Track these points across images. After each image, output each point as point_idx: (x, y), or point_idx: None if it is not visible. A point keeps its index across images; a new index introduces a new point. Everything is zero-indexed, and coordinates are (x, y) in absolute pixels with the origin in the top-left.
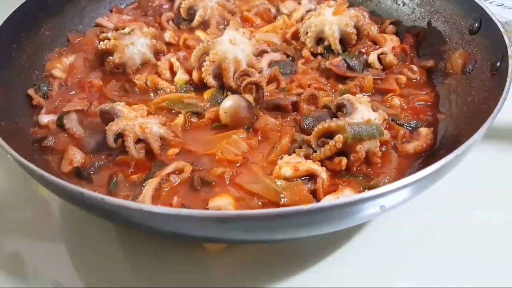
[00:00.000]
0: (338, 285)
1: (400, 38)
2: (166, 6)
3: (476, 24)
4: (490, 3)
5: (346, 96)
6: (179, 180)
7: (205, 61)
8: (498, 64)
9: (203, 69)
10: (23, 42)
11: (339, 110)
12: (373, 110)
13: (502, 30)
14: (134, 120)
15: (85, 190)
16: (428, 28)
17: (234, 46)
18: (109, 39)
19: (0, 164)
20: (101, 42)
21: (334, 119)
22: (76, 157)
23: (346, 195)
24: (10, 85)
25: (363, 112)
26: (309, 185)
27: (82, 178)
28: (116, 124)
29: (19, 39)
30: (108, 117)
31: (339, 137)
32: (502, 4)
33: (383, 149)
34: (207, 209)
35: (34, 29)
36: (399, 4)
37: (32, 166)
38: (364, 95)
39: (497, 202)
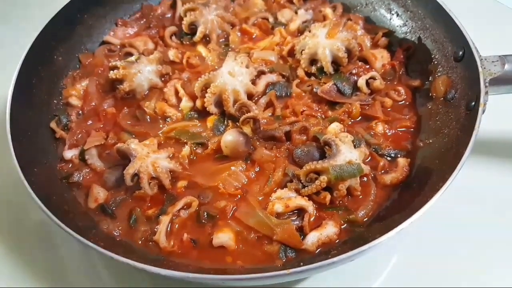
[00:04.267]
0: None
1: (391, 50)
2: (169, 15)
3: (461, 53)
4: None
5: (331, 135)
6: (188, 213)
7: (207, 92)
8: (473, 104)
9: (205, 99)
10: (41, 75)
11: (326, 144)
12: (356, 146)
13: (480, 68)
14: (147, 158)
15: (117, 257)
16: (418, 44)
17: (233, 78)
18: (118, 68)
19: None
20: (111, 72)
21: (319, 161)
22: (100, 194)
23: (328, 230)
24: (36, 122)
25: (346, 155)
26: (297, 222)
27: (106, 214)
28: (132, 167)
29: (38, 73)
30: (124, 154)
31: (323, 178)
32: None
33: (364, 179)
34: (212, 241)
35: (49, 58)
36: (393, 14)
37: (90, 243)
38: (352, 121)
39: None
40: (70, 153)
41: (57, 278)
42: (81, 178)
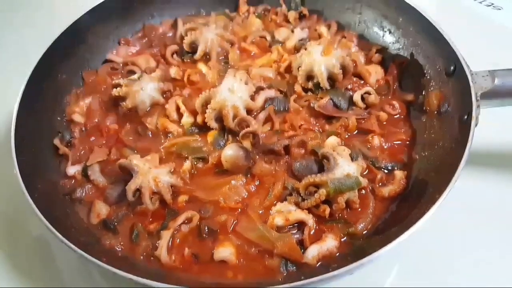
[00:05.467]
0: None
1: (385, 66)
2: (170, 34)
3: (452, 68)
4: (480, 2)
5: (329, 149)
6: (188, 228)
7: (207, 108)
8: (465, 117)
9: (206, 114)
10: (45, 93)
11: (324, 158)
12: (353, 159)
13: (471, 83)
14: (149, 174)
15: (120, 272)
16: (411, 59)
17: (232, 94)
18: (121, 86)
19: None
20: (114, 89)
21: (318, 174)
22: (102, 210)
23: (328, 243)
24: (39, 139)
25: (344, 168)
26: (297, 235)
27: (109, 230)
28: (134, 183)
29: (42, 91)
30: (126, 169)
31: (322, 191)
32: (492, 4)
33: (363, 192)
34: (213, 256)
35: (53, 76)
36: (385, 32)
37: (92, 258)
38: (348, 135)
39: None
40: (73, 169)
41: None
42: (83, 194)
